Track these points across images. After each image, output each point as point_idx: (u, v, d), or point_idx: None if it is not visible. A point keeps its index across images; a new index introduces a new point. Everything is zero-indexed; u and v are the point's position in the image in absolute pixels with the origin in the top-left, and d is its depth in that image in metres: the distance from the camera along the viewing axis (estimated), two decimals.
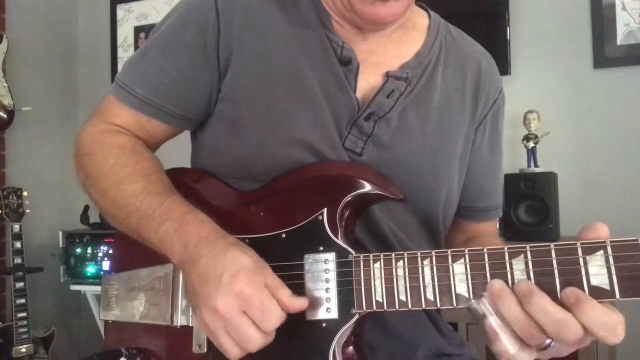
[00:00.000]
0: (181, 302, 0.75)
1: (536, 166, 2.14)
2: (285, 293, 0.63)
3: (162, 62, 0.79)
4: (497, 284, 0.56)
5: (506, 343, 0.55)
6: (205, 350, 0.71)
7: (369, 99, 0.77)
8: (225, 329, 0.61)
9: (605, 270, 0.55)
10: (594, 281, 0.55)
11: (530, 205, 2.01)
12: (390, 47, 0.82)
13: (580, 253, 0.56)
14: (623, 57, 2.21)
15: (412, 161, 0.79)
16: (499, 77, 0.92)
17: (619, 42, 2.22)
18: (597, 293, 0.55)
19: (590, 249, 0.56)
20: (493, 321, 0.56)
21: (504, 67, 2.27)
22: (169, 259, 0.71)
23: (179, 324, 0.75)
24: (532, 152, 2.15)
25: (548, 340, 0.54)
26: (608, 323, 0.52)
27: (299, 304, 0.63)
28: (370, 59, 0.80)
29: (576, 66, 2.27)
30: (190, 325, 0.74)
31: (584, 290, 0.55)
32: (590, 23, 2.26)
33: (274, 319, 0.60)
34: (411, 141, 0.79)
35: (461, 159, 0.85)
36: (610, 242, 0.55)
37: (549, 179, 2.02)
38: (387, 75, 0.78)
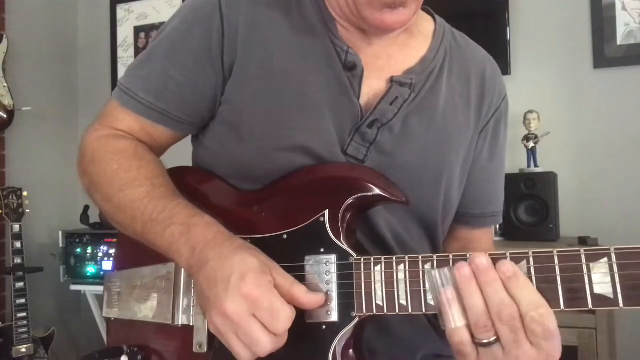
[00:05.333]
0: (182, 301, 0.75)
1: (536, 166, 2.14)
2: (300, 290, 0.62)
3: (166, 66, 0.78)
4: (466, 270, 0.57)
5: (455, 316, 0.57)
6: (206, 350, 0.71)
7: (372, 105, 0.77)
8: (236, 332, 0.60)
9: (609, 278, 0.54)
10: (598, 289, 0.55)
11: (530, 205, 2.02)
12: (395, 51, 0.81)
13: (584, 260, 0.55)
14: (623, 57, 2.22)
15: (414, 168, 0.78)
16: (503, 83, 0.91)
17: (619, 42, 2.23)
18: (600, 301, 0.54)
19: (594, 256, 0.55)
20: (451, 291, 0.58)
21: (504, 67, 2.28)
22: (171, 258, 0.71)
23: (180, 323, 0.75)
24: (532, 152, 2.16)
25: (493, 338, 0.56)
26: (535, 300, 0.55)
27: (316, 299, 0.63)
28: (374, 63, 0.79)
29: (576, 66, 2.28)
30: (191, 324, 0.74)
31: (587, 299, 0.55)
32: (590, 23, 2.27)
33: (283, 320, 0.59)
34: (414, 148, 0.79)
35: (463, 165, 0.85)
36: (615, 249, 0.54)
37: (549, 179, 2.02)
38: (392, 80, 0.78)
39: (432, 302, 0.61)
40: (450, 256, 0.61)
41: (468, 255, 0.60)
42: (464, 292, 0.57)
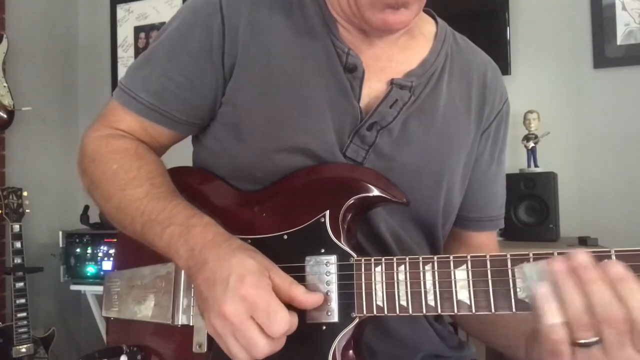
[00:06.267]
0: (182, 301, 0.75)
1: (536, 166, 2.14)
2: (299, 290, 0.62)
3: (167, 67, 0.78)
4: (565, 265, 0.54)
5: (553, 311, 0.54)
6: (205, 349, 0.71)
7: (372, 107, 0.77)
8: (233, 334, 0.60)
9: None
10: None
11: (530, 205, 2.02)
12: (396, 53, 0.81)
13: None
14: (623, 57, 2.22)
15: (413, 171, 0.78)
16: (504, 86, 0.91)
17: (619, 42, 2.23)
18: None
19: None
20: (546, 286, 0.55)
21: (504, 67, 2.27)
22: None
23: (179, 323, 0.75)
24: (532, 152, 2.16)
25: (594, 339, 0.53)
26: None
27: (314, 299, 0.63)
28: (375, 64, 0.79)
29: (576, 66, 2.28)
30: (191, 324, 0.74)
31: None
32: (590, 23, 2.27)
33: (281, 321, 0.59)
34: (413, 151, 0.79)
35: (464, 169, 0.85)
36: (615, 251, 0.55)
37: (549, 179, 2.02)
38: (392, 83, 0.78)
39: (432, 303, 0.61)
40: (451, 257, 0.61)
41: (469, 257, 0.60)
42: (564, 288, 0.54)
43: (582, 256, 0.54)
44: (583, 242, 1.92)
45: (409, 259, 0.63)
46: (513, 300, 0.59)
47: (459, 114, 0.83)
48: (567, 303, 0.53)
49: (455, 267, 0.61)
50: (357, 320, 0.65)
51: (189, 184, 0.82)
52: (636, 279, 0.53)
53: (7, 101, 2.43)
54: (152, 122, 0.80)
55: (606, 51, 2.23)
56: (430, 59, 0.82)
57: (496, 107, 0.88)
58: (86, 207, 2.57)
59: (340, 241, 0.68)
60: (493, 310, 0.59)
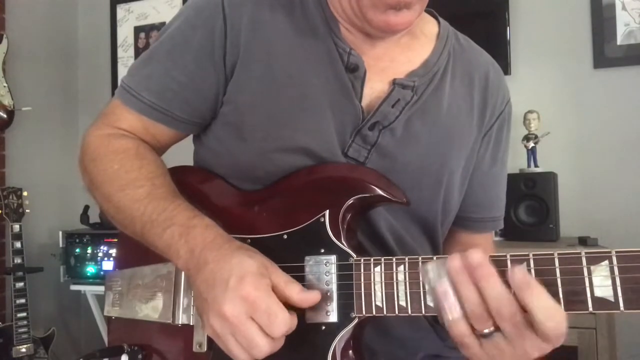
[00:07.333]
0: (183, 301, 0.75)
1: (536, 166, 2.14)
2: (294, 289, 0.62)
3: (168, 66, 0.79)
4: (457, 262, 0.57)
5: (451, 307, 0.57)
6: (206, 349, 0.72)
7: (374, 107, 0.77)
8: (233, 334, 0.60)
9: (609, 282, 0.54)
10: (598, 292, 0.55)
11: (530, 205, 2.02)
12: (398, 53, 0.81)
13: (584, 263, 0.55)
14: (623, 57, 2.22)
15: (415, 170, 0.78)
16: (507, 87, 0.91)
17: (619, 42, 2.23)
18: (601, 305, 0.54)
19: (595, 259, 0.55)
20: (446, 284, 0.58)
21: (504, 67, 2.27)
22: None
23: (180, 322, 0.75)
24: (532, 152, 2.16)
25: (492, 328, 0.55)
26: (551, 308, 0.53)
27: (309, 297, 0.63)
28: (377, 65, 0.79)
29: (576, 66, 2.28)
30: (192, 323, 0.74)
31: (587, 302, 0.55)
32: (590, 23, 2.27)
33: (281, 323, 0.60)
34: (415, 151, 0.79)
35: (465, 168, 0.85)
36: (616, 252, 0.54)
37: (549, 179, 2.02)
38: (394, 83, 0.78)
39: (431, 304, 0.61)
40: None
41: None
42: (457, 284, 0.57)
43: (476, 254, 0.56)
44: (583, 242, 1.92)
45: (408, 259, 0.63)
46: (422, 304, 0.61)
47: (462, 115, 0.83)
48: (463, 299, 0.56)
49: None
50: (356, 321, 0.65)
51: (189, 183, 0.82)
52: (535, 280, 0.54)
53: (7, 101, 2.43)
54: (154, 121, 0.80)
55: (606, 51, 2.23)
56: (432, 59, 0.82)
57: (498, 109, 0.88)
58: (86, 207, 2.58)
59: (340, 241, 0.68)
60: None
